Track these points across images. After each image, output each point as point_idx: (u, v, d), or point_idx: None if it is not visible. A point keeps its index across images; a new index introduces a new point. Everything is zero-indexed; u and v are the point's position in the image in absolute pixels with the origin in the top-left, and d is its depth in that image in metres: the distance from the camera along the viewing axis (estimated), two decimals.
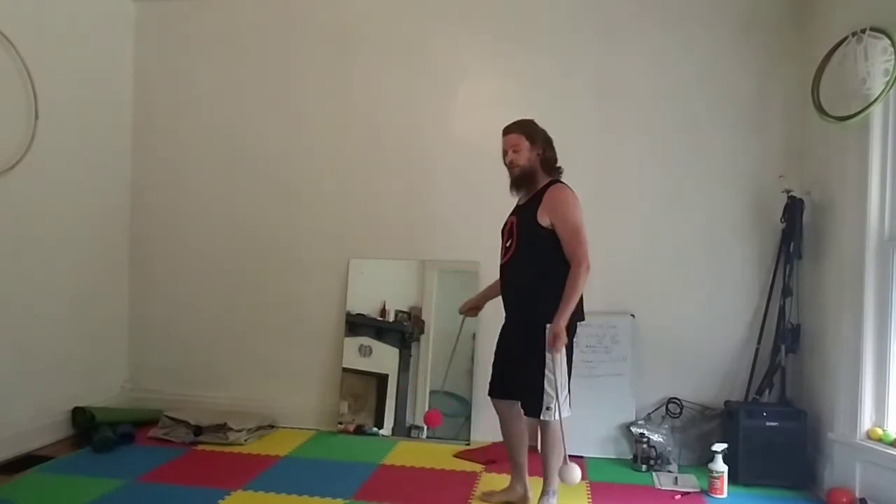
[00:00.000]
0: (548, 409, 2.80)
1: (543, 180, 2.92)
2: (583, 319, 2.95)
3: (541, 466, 3.02)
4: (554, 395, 2.78)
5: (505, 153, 2.97)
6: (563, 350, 2.79)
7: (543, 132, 2.97)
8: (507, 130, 2.96)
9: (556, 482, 2.90)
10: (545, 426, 2.88)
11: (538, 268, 2.80)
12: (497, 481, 3.29)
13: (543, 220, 2.83)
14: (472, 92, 4.12)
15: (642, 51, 3.94)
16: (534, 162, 2.91)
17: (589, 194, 3.91)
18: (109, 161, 4.34)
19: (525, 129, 2.93)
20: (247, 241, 4.38)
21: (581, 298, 2.88)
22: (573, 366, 2.96)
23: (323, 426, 4.19)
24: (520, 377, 2.90)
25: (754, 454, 3.41)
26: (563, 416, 2.79)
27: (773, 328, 3.67)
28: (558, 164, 2.98)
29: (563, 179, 3.00)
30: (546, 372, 2.79)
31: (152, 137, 4.50)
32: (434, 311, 4.12)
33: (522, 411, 2.98)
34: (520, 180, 2.94)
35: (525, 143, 2.90)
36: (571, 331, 2.86)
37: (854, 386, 3.13)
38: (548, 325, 2.76)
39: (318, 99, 4.30)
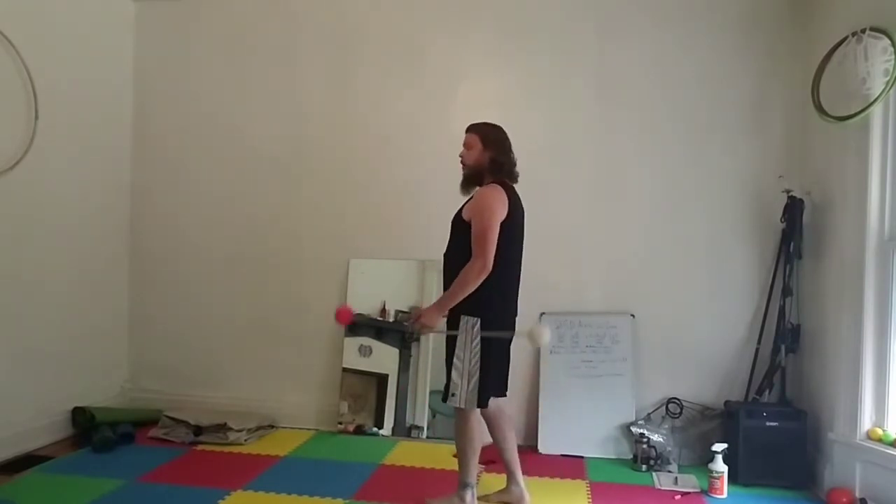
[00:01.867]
0: (452, 395, 2.86)
1: (488, 182, 2.94)
2: (502, 313, 2.93)
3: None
4: (459, 382, 2.84)
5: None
6: (477, 342, 2.81)
7: (500, 138, 2.98)
8: (467, 129, 3.02)
9: (472, 476, 2.93)
10: (457, 414, 2.92)
11: (462, 261, 2.83)
12: (497, 482, 3.28)
13: (467, 215, 2.88)
14: (473, 92, 4.12)
15: (642, 51, 3.94)
16: (482, 163, 2.95)
17: (589, 194, 3.96)
18: (109, 161, 4.34)
19: (481, 131, 2.98)
20: (247, 242, 4.38)
21: (513, 304, 2.96)
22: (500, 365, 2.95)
23: (323, 426, 4.19)
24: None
25: (754, 454, 3.42)
26: (466, 405, 2.84)
27: (773, 328, 3.66)
28: (512, 171, 2.97)
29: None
30: (455, 360, 2.85)
31: (152, 137, 4.50)
32: None
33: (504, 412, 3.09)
34: (466, 179, 3.01)
35: (478, 144, 2.96)
36: (494, 327, 2.86)
37: (854, 386, 3.13)
38: (463, 316, 2.83)
39: (318, 99, 4.30)
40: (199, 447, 3.81)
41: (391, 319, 4.17)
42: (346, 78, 4.27)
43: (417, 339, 4.12)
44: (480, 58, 4.14)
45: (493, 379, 2.90)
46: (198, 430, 3.90)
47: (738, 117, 3.85)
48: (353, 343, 4.19)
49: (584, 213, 3.95)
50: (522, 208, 2.98)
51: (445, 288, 2.93)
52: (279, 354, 4.33)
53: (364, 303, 4.20)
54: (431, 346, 4.09)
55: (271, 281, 4.35)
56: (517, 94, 4.04)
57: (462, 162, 3.00)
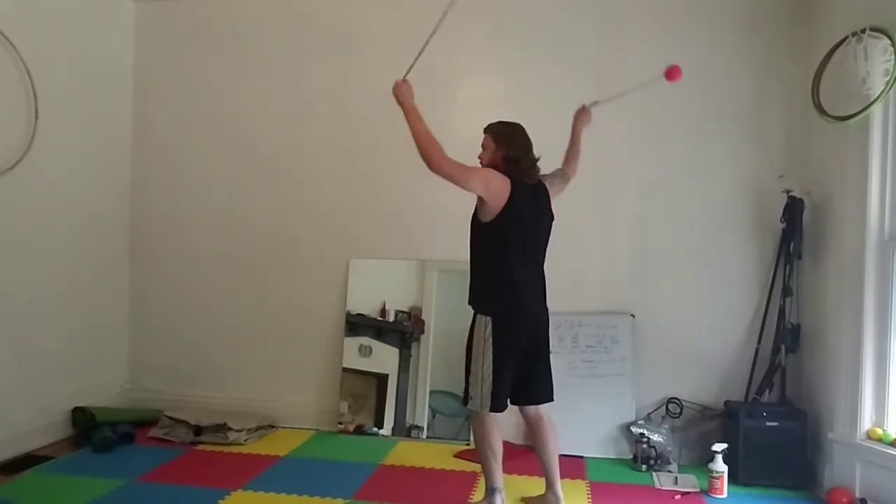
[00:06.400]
0: (471, 398, 2.88)
1: None
2: (513, 312, 2.87)
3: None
4: (474, 384, 2.86)
5: None
6: (490, 344, 2.81)
7: (514, 135, 2.96)
8: (484, 130, 3.04)
9: (496, 480, 2.89)
10: (473, 418, 2.93)
11: (472, 257, 2.88)
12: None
13: (477, 207, 2.90)
14: (472, 92, 4.12)
15: (642, 51, 3.93)
16: (496, 162, 2.94)
17: (589, 194, 3.95)
18: (109, 161, 4.34)
19: (493, 130, 3.00)
20: (247, 241, 4.38)
21: (530, 304, 2.90)
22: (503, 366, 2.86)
23: (323, 426, 4.19)
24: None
25: (754, 454, 3.42)
26: (482, 408, 2.83)
27: (773, 328, 3.66)
28: (530, 169, 2.94)
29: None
30: (471, 363, 2.88)
31: (152, 137, 4.50)
32: (434, 311, 4.11)
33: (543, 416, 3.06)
34: None
35: (491, 144, 2.97)
36: (505, 327, 2.83)
37: (854, 386, 3.13)
38: (478, 316, 2.87)
39: (318, 99, 4.30)
40: (199, 447, 3.81)
41: (391, 319, 4.17)
42: (346, 77, 4.27)
43: (417, 340, 4.12)
44: (480, 58, 4.14)
45: (509, 383, 2.87)
46: (198, 430, 3.90)
47: (738, 117, 3.84)
48: (353, 343, 4.19)
49: (584, 213, 3.94)
50: (543, 209, 2.96)
51: (470, 289, 2.95)
52: (279, 354, 4.32)
53: (364, 303, 4.20)
54: (431, 346, 4.09)
55: (271, 281, 4.34)
56: (517, 94, 4.03)
57: (480, 163, 3.00)
